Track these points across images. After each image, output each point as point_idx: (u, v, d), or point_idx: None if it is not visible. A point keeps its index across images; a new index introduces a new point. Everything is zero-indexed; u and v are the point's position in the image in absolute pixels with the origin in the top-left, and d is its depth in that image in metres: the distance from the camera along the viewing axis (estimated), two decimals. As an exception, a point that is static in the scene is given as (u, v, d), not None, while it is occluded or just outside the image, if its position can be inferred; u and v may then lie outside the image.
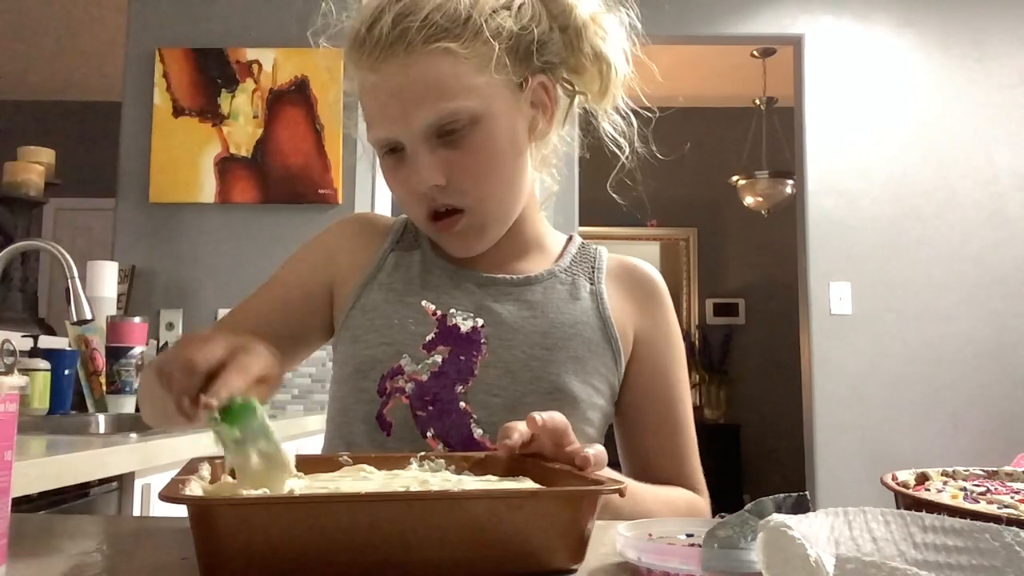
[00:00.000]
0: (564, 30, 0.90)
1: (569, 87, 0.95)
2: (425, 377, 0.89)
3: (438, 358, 0.89)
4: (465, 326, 0.90)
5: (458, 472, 0.72)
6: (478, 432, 0.87)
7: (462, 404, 0.88)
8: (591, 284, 0.96)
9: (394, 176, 0.89)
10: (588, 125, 0.98)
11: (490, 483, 0.67)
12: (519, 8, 0.86)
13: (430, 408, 0.88)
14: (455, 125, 0.84)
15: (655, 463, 0.95)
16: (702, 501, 0.96)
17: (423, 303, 0.92)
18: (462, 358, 0.89)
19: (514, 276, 0.95)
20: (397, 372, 0.89)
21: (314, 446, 2.27)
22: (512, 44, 0.85)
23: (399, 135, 0.85)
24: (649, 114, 0.97)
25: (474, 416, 0.88)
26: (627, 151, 0.96)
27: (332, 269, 0.98)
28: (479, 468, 0.72)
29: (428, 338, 0.90)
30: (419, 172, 0.85)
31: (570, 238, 1.02)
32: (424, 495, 0.57)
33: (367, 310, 0.93)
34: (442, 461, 0.72)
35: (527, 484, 0.66)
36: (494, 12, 0.84)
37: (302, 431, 2.25)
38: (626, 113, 0.96)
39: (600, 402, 0.93)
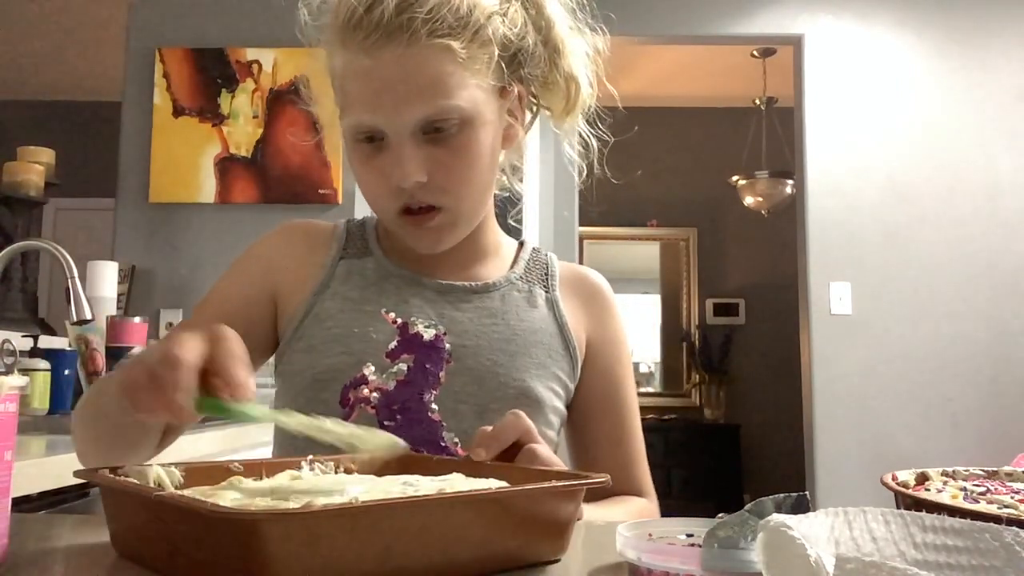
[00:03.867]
0: (545, 44, 0.91)
1: (534, 101, 0.96)
2: (391, 386, 0.87)
3: (403, 367, 0.88)
4: (428, 334, 0.89)
5: (348, 473, 0.71)
6: (450, 439, 0.87)
7: (431, 412, 0.87)
8: (546, 292, 0.97)
9: (368, 165, 0.86)
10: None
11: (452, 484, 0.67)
12: (512, 16, 0.87)
13: (398, 417, 0.87)
14: (445, 124, 0.83)
15: (603, 467, 0.95)
16: (649, 506, 0.97)
17: (383, 311, 0.90)
18: (427, 366, 0.88)
19: (473, 283, 0.94)
20: (361, 382, 0.87)
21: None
22: (504, 51, 0.86)
23: (385, 125, 0.83)
24: (607, 138, 0.98)
25: (444, 424, 0.87)
26: (584, 175, 0.97)
27: (273, 280, 0.95)
28: (368, 470, 0.71)
29: (391, 346, 0.88)
30: (403, 167, 0.82)
31: (521, 244, 1.02)
32: (423, 499, 0.57)
33: (322, 319, 0.91)
34: (332, 463, 0.71)
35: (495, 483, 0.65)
36: (491, 16, 0.84)
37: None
38: (587, 136, 0.97)
39: (559, 405, 0.94)
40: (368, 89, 0.83)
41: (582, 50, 0.94)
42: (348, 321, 0.90)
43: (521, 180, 1.01)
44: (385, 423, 0.87)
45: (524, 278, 0.97)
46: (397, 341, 0.89)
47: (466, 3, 0.82)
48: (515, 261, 0.99)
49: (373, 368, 0.88)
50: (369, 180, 0.87)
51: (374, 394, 0.87)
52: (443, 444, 0.87)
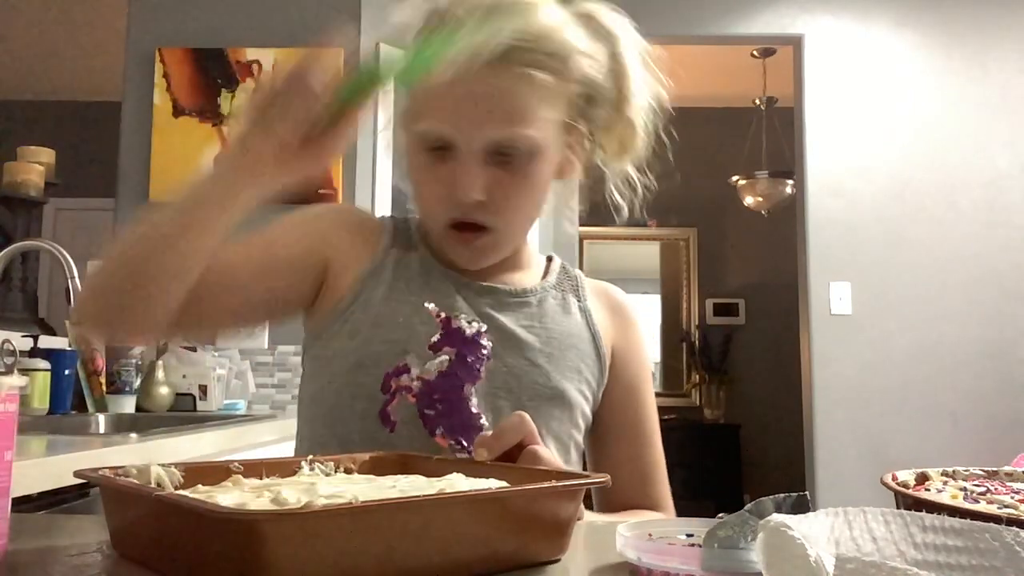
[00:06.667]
0: (618, 91, 0.93)
1: (591, 139, 0.98)
2: (433, 377, 0.89)
3: (445, 358, 0.89)
4: (470, 329, 0.90)
5: (348, 473, 0.71)
6: (486, 426, 0.88)
7: (471, 405, 0.88)
8: (578, 301, 1.01)
9: (431, 173, 0.88)
10: None
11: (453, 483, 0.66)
12: (596, 59, 0.90)
13: (438, 407, 0.88)
14: (514, 150, 0.86)
15: (621, 479, 0.97)
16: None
17: (427, 304, 0.91)
18: (468, 360, 0.89)
19: (511, 288, 0.97)
20: (403, 370, 0.89)
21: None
22: (582, 90, 0.89)
23: (459, 139, 0.85)
24: (652, 186, 1.00)
25: (483, 417, 0.88)
26: (625, 214, 0.99)
27: (328, 251, 0.96)
28: (367, 469, 0.72)
29: (434, 339, 0.89)
30: (467, 183, 0.85)
31: (550, 258, 1.06)
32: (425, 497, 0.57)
33: (369, 306, 0.93)
34: (332, 463, 0.71)
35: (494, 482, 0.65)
36: (579, 56, 0.88)
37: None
38: (635, 180, 0.99)
39: (587, 410, 0.97)
40: (451, 100, 0.85)
41: (646, 101, 0.96)
42: (394, 310, 0.92)
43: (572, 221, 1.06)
44: (425, 411, 0.88)
45: (557, 287, 1.01)
46: (440, 334, 0.90)
47: (558, 39, 0.86)
48: (546, 272, 1.03)
49: (415, 358, 0.89)
50: (427, 189, 0.90)
51: (416, 383, 0.89)
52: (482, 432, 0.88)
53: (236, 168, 0.80)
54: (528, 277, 1.00)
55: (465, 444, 0.87)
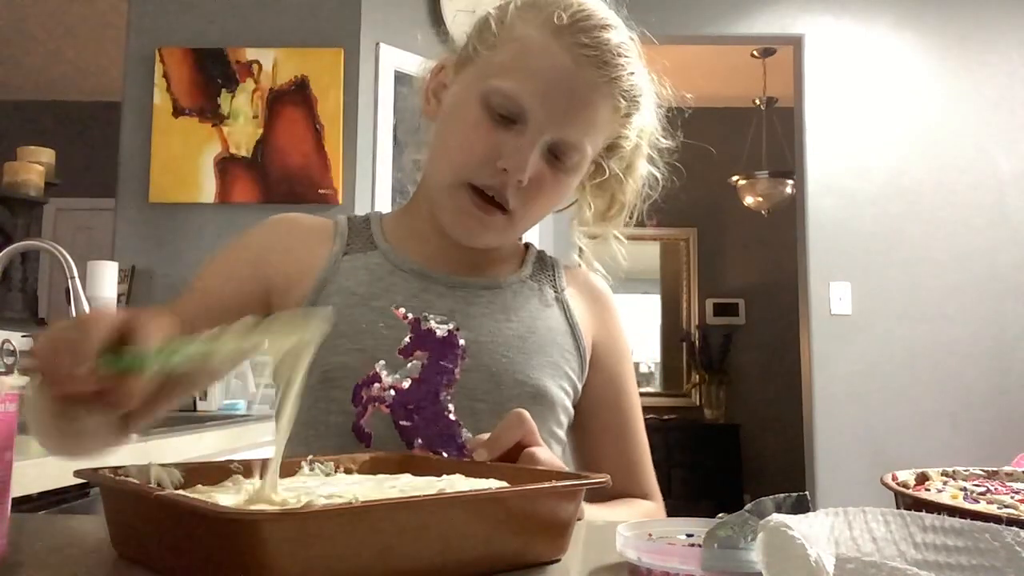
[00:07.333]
0: (633, 155, 0.96)
1: (588, 183, 0.99)
2: (406, 385, 0.86)
3: (417, 364, 0.86)
4: (440, 330, 0.88)
5: (348, 473, 0.71)
6: (468, 438, 0.85)
7: (448, 412, 0.86)
8: (555, 292, 0.98)
9: (483, 133, 0.85)
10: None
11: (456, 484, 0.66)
12: (646, 116, 0.93)
13: (415, 417, 0.85)
14: (568, 156, 0.87)
15: (608, 470, 0.95)
16: (656, 508, 0.97)
17: (393, 307, 0.89)
18: (442, 363, 0.87)
19: (485, 281, 0.94)
20: (374, 380, 0.86)
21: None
22: (623, 136, 0.92)
23: (538, 120, 0.84)
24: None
25: (461, 424, 0.86)
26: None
27: (267, 272, 0.93)
28: (367, 469, 0.72)
29: (404, 343, 0.87)
30: (522, 162, 0.83)
31: (527, 246, 1.03)
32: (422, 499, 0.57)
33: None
34: (331, 464, 0.71)
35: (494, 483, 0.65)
36: (644, 106, 0.91)
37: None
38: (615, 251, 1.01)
39: (568, 405, 0.94)
40: (547, 83, 0.84)
41: (642, 181, 0.98)
42: (356, 317, 0.88)
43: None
44: (400, 423, 0.86)
45: (534, 277, 0.98)
46: (410, 337, 0.87)
47: (641, 85, 0.90)
48: (523, 263, 1.00)
49: (385, 364, 0.86)
50: (474, 146, 0.86)
51: (388, 392, 0.85)
52: (461, 442, 0.86)
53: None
54: (502, 268, 0.97)
55: (445, 456, 0.84)
